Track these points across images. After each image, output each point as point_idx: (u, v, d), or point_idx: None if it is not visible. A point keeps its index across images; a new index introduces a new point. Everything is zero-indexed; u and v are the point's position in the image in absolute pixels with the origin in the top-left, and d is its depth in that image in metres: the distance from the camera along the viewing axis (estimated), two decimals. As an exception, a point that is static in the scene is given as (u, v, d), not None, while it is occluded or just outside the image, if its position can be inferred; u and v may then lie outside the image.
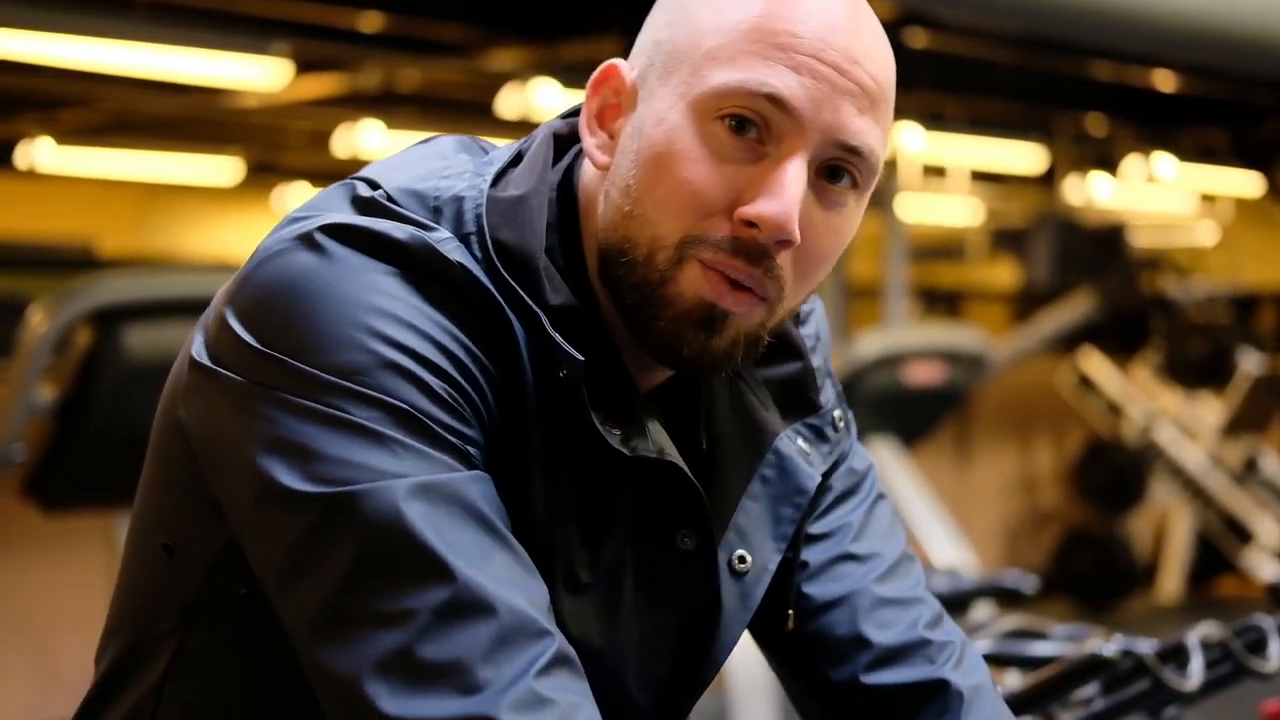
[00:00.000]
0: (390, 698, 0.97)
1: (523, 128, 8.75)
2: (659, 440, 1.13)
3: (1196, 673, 2.02)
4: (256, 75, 6.35)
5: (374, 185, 1.13)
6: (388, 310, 1.04)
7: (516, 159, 1.19)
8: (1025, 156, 9.29)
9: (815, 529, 1.28)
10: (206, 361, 1.09)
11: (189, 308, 4.02)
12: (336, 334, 1.03)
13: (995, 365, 7.04)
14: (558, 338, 1.09)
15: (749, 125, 1.10)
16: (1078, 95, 8.71)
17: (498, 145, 1.25)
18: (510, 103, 7.21)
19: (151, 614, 1.17)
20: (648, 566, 1.16)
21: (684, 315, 1.11)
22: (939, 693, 1.22)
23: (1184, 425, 8.96)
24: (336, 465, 1.01)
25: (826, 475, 1.27)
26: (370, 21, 6.78)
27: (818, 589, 1.25)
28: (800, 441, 1.24)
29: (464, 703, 0.96)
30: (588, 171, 1.18)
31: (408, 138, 8.80)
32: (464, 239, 1.10)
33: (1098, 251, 8.95)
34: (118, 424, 3.75)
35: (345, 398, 1.02)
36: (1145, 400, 9.02)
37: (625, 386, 1.13)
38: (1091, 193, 9.56)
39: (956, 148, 8.78)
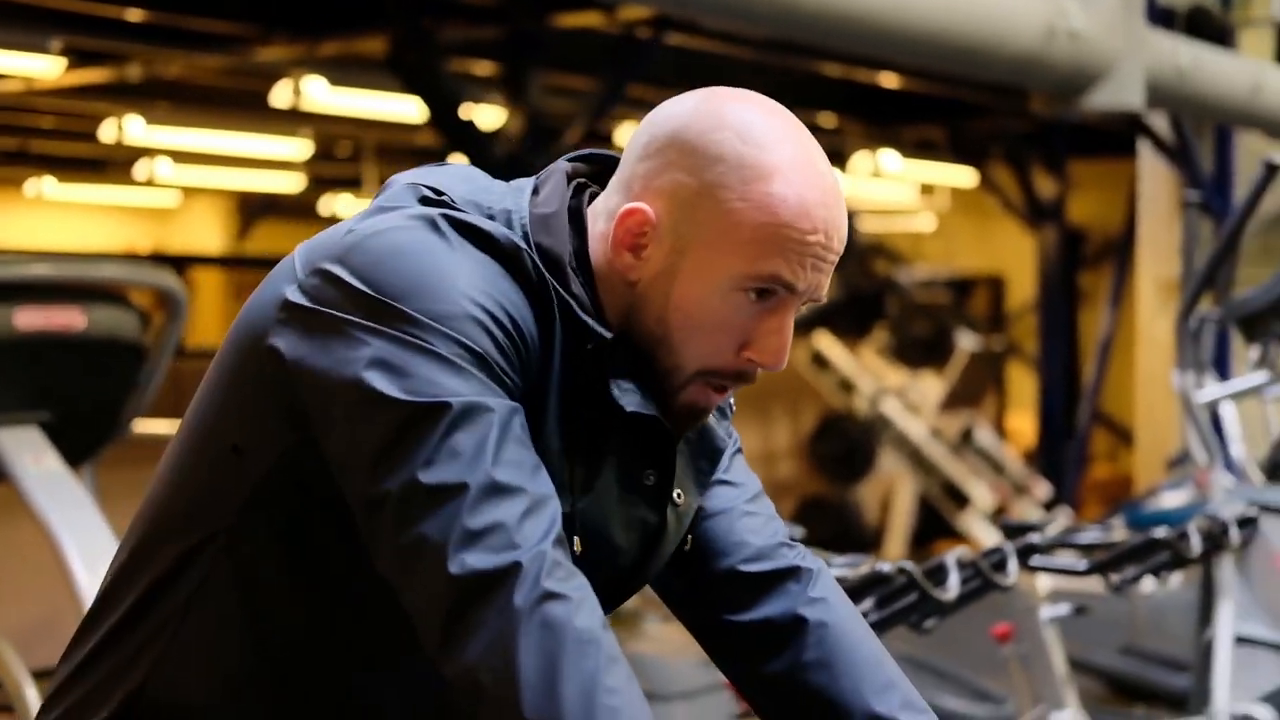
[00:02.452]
0: (443, 547, 1.31)
1: (293, 118, 8.94)
2: (650, 402, 1.49)
3: (954, 586, 2.51)
4: (20, 65, 6.41)
5: (436, 191, 1.45)
6: (476, 282, 1.37)
7: (535, 189, 1.50)
8: (762, 150, 9.85)
9: None
10: (306, 303, 1.38)
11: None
12: (437, 290, 1.35)
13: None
14: (589, 321, 1.43)
15: (767, 295, 1.44)
16: (811, 93, 9.31)
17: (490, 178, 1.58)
18: (281, 96, 7.44)
19: (206, 512, 1.44)
20: (624, 494, 1.50)
21: (679, 410, 1.48)
22: (798, 575, 1.62)
23: (908, 400, 9.68)
24: (425, 383, 1.33)
25: None
26: (137, 14, 6.90)
27: (705, 503, 1.64)
28: (712, 418, 1.61)
29: (499, 557, 1.31)
30: (599, 242, 1.48)
31: (171, 131, 8.89)
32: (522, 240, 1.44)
33: (828, 239, 9.59)
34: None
35: (437, 337, 1.34)
36: (873, 377, 9.72)
37: (630, 359, 1.49)
38: (822, 184, 10.16)
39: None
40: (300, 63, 7.44)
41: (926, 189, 12.43)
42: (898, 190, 12.05)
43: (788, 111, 1.48)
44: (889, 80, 8.89)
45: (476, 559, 1.32)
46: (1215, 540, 3.61)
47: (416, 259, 1.37)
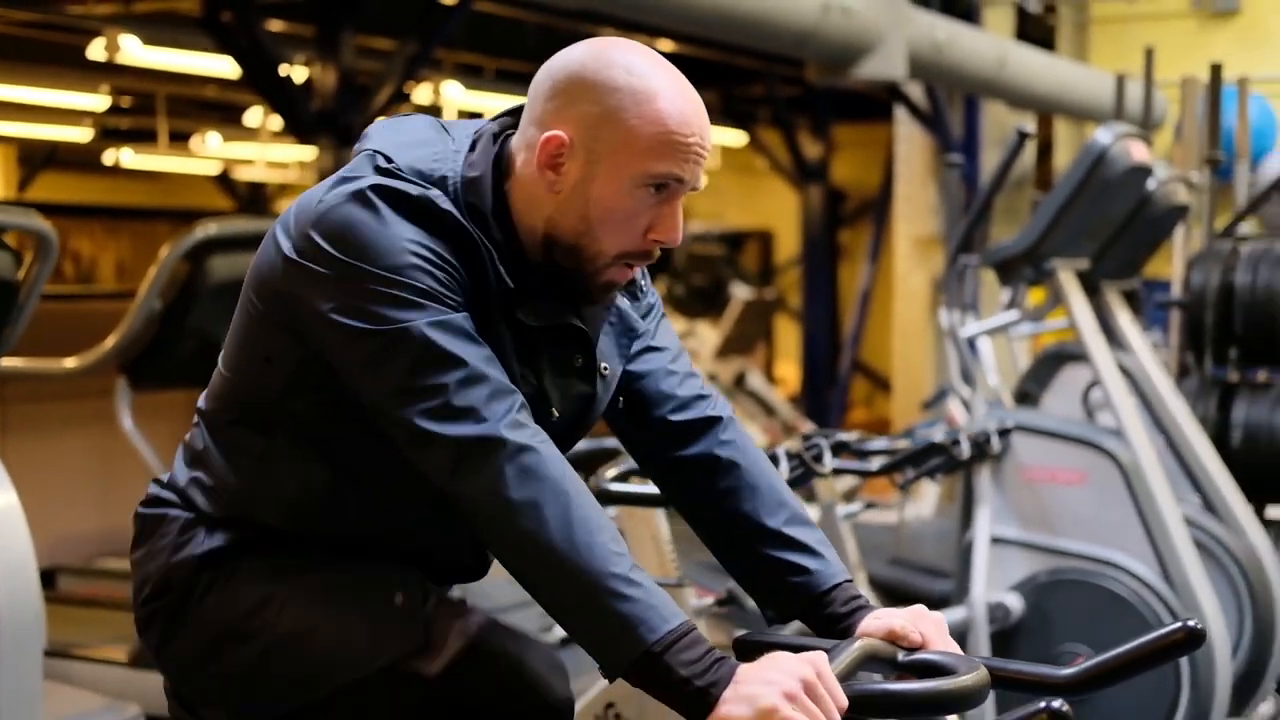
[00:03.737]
0: (438, 428, 1.74)
1: (109, 70, 9.06)
2: (560, 312, 1.91)
3: (784, 472, 3.07)
4: None
5: (388, 159, 1.84)
6: (410, 238, 1.78)
7: (473, 145, 1.91)
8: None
9: None
10: (296, 258, 1.80)
11: None
12: (384, 249, 1.77)
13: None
14: (501, 269, 1.84)
15: (663, 188, 1.84)
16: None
17: (455, 125, 1.98)
18: (95, 52, 7.65)
19: (256, 399, 1.91)
20: (559, 375, 1.94)
21: (600, 287, 1.89)
22: (714, 423, 2.09)
23: (687, 347, 10.25)
24: (388, 317, 1.75)
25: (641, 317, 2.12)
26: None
27: (636, 367, 2.05)
28: (626, 301, 2.07)
29: (478, 427, 1.74)
30: (522, 169, 1.88)
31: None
32: (452, 200, 1.84)
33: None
34: None
35: (391, 284, 1.76)
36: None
37: (537, 286, 1.90)
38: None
39: (490, 101, 9.72)
40: (114, 19, 7.64)
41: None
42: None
43: (649, 49, 1.88)
44: (665, 45, 9.39)
45: (463, 430, 1.76)
46: (980, 447, 4.27)
47: (365, 228, 1.79)
